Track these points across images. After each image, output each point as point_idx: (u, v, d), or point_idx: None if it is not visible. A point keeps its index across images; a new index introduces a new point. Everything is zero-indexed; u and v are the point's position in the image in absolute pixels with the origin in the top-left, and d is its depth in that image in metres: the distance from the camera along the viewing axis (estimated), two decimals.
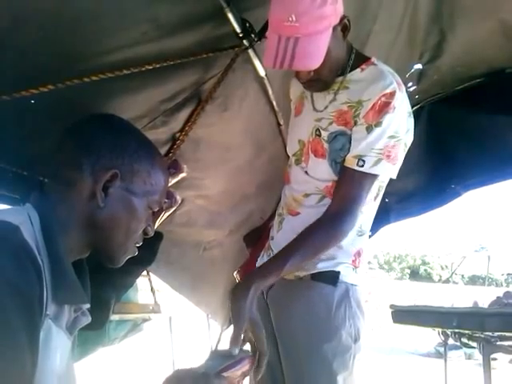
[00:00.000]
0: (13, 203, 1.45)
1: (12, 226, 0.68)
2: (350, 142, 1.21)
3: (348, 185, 1.21)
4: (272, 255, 1.34)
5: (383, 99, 1.16)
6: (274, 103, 1.85)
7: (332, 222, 1.19)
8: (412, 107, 2.32)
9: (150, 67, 1.29)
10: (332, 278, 1.28)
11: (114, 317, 1.78)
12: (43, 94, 1.16)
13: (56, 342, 0.73)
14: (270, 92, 1.78)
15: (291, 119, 1.51)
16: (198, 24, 1.32)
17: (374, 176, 1.22)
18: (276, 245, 1.38)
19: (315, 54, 1.08)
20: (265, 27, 1.29)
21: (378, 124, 1.17)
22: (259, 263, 1.48)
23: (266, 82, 1.72)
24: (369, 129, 1.18)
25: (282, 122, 1.95)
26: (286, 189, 1.46)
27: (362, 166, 1.19)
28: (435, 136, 2.24)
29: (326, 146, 1.26)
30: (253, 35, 1.42)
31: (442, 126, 2.22)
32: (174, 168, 1.63)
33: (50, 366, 0.71)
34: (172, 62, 1.33)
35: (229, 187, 2.16)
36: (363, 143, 1.19)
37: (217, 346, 2.73)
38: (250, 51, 1.52)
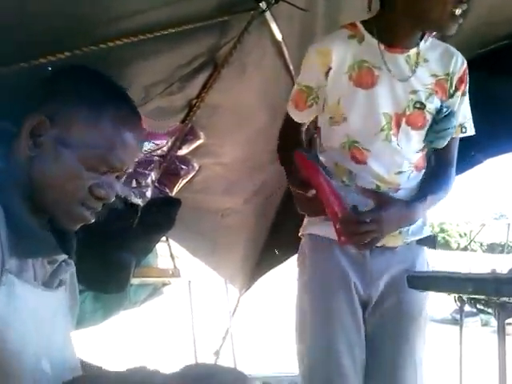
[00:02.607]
0: None
1: None
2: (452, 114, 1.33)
3: (454, 150, 1.37)
4: None
5: (466, 71, 1.32)
6: (291, 67, 1.82)
7: (448, 179, 1.35)
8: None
9: (166, 32, 1.28)
10: (432, 242, 1.39)
11: (135, 281, 1.83)
12: (60, 61, 1.16)
13: (22, 295, 0.71)
14: (287, 56, 1.75)
15: (352, 91, 1.26)
16: None
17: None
18: None
19: None
20: None
21: (465, 93, 1.33)
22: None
23: (282, 45, 1.69)
24: (462, 98, 1.33)
25: None
26: (362, 170, 1.30)
27: (465, 132, 1.36)
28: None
29: (429, 117, 1.29)
30: None
31: None
32: (190, 135, 1.64)
33: (15, 318, 0.69)
34: (188, 27, 1.32)
35: (245, 154, 2.17)
36: (462, 112, 1.33)
37: (234, 311, 2.80)
38: (267, 14, 1.49)
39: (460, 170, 2.25)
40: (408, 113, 1.27)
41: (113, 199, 0.84)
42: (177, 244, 2.39)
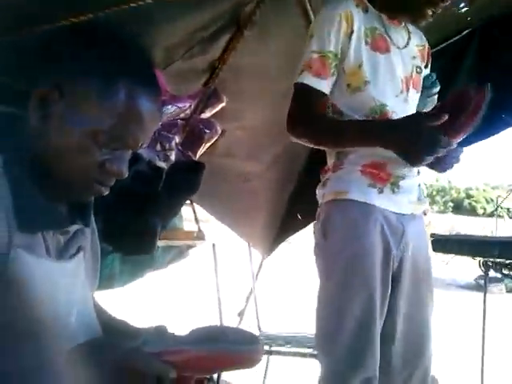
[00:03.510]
0: None
1: None
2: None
3: None
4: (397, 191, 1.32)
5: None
6: None
7: None
8: (463, 30, 2.19)
9: None
10: None
11: (161, 243, 1.87)
12: (80, 25, 1.16)
13: (30, 269, 0.69)
14: (312, 16, 1.70)
15: (372, 55, 1.30)
16: None
17: None
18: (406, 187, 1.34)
19: None
20: None
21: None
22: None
23: (307, 5, 1.64)
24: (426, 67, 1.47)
25: None
26: None
27: None
28: (485, 62, 2.10)
29: (421, 82, 1.43)
30: None
31: (493, 52, 2.08)
32: (213, 98, 1.63)
33: (28, 292, 0.68)
34: None
35: (268, 118, 2.15)
36: None
37: (258, 273, 2.84)
38: None
39: (489, 133, 2.20)
40: (413, 76, 1.38)
41: (126, 175, 0.79)
42: (200, 208, 2.42)
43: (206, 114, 1.81)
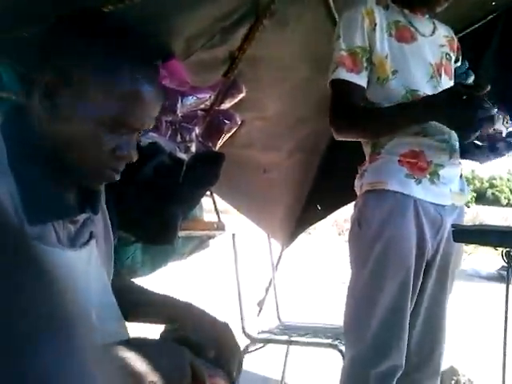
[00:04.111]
0: None
1: None
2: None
3: None
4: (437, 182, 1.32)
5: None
6: (336, 17, 1.75)
7: None
8: (488, 15, 2.14)
9: None
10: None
11: (182, 233, 1.89)
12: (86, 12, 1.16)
13: (46, 259, 0.69)
14: (332, 5, 1.68)
15: (398, 45, 1.34)
16: None
17: None
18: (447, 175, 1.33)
19: None
20: None
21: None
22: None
23: None
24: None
25: None
26: None
27: None
28: (510, 47, 2.05)
29: (453, 69, 1.46)
30: None
31: None
32: (233, 88, 1.63)
33: (43, 282, 0.68)
34: None
35: (287, 108, 2.14)
36: None
37: (277, 264, 2.85)
38: None
39: None
40: (444, 63, 1.40)
41: (135, 158, 0.80)
42: (220, 198, 2.43)
43: (226, 105, 1.81)
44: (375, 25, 1.32)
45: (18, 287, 0.32)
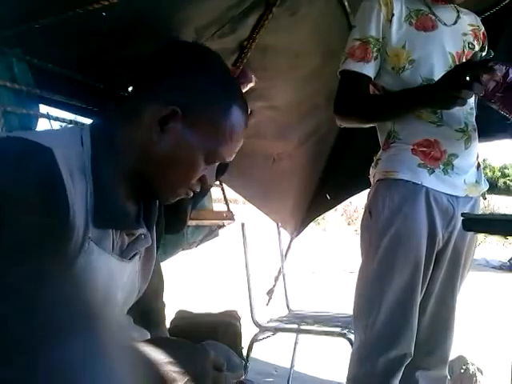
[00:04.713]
0: (90, 115, 1.53)
1: (39, 148, 0.67)
2: None
3: None
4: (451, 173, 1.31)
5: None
6: (347, 4, 1.73)
7: None
8: (495, 6, 2.09)
9: None
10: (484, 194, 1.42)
11: (191, 223, 1.90)
12: (113, 7, 1.17)
13: (99, 263, 0.75)
14: None
15: (417, 34, 1.33)
16: None
17: None
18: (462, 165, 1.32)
19: None
20: None
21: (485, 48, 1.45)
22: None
23: None
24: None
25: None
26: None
27: None
28: None
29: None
30: None
31: None
32: (243, 78, 1.62)
33: (92, 283, 0.73)
34: None
35: (297, 97, 2.13)
36: None
37: (287, 253, 2.86)
38: None
39: None
40: (466, 52, 1.36)
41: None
42: (229, 188, 2.44)
43: None
44: (392, 15, 1.31)
45: (58, 279, 0.33)
